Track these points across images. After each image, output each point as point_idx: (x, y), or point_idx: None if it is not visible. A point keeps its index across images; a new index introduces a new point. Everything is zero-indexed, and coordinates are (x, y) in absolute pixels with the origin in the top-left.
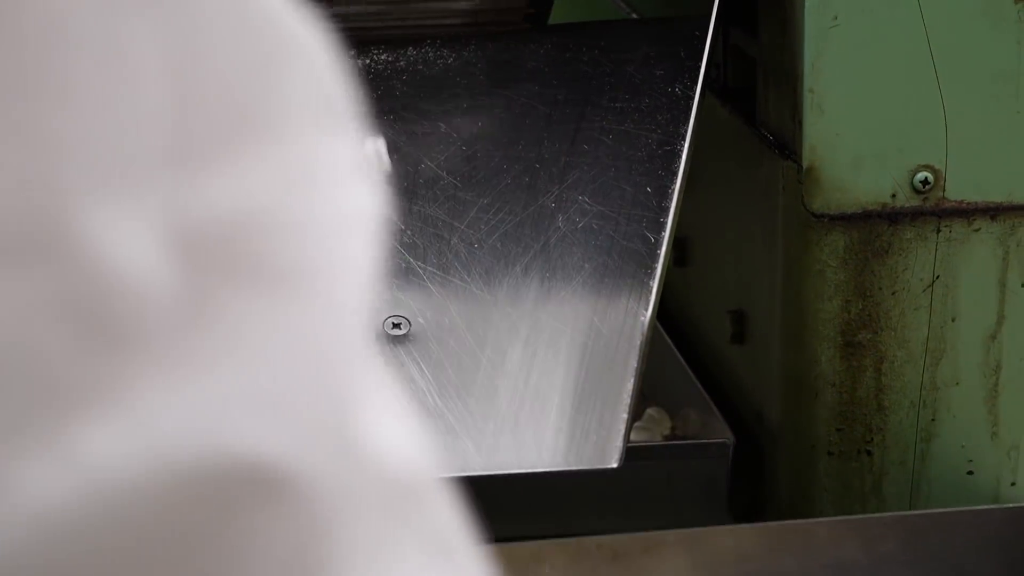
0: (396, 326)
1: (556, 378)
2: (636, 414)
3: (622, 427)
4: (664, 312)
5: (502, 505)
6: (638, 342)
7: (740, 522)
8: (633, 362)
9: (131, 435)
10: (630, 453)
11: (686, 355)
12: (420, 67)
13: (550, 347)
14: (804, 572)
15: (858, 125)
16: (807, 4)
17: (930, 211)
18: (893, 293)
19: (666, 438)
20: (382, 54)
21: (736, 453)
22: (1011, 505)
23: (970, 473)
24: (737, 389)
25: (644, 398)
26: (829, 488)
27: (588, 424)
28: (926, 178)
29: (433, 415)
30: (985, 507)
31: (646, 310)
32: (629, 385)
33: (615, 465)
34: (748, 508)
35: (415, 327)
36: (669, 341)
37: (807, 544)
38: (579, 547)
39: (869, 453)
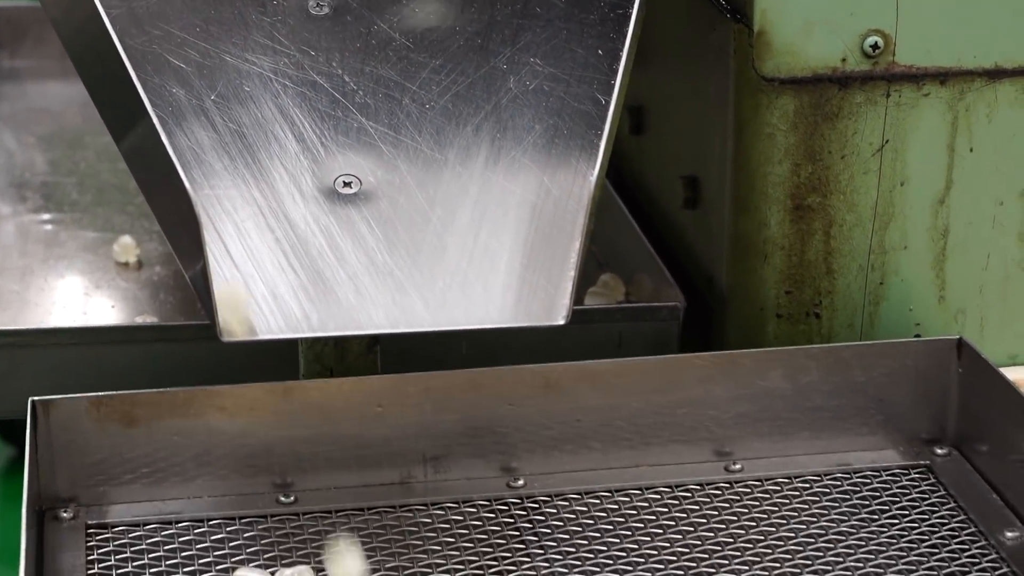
0: (347, 184)
1: (505, 237)
2: (591, 280)
3: (569, 285)
4: (619, 181)
5: (452, 365)
6: (586, 202)
7: None
8: (581, 221)
9: None
10: (582, 316)
11: (641, 222)
12: None
13: (500, 206)
14: (731, 399)
15: None
16: None
17: (880, 75)
18: (843, 157)
19: (620, 303)
20: None
21: (687, 316)
22: (929, 338)
23: (917, 336)
24: (689, 254)
25: (599, 265)
26: None
27: (536, 282)
28: (876, 42)
29: (383, 272)
30: (904, 339)
31: (595, 170)
32: (577, 244)
33: (562, 322)
34: None
35: (366, 185)
36: (624, 209)
37: (733, 373)
38: (514, 375)
39: (817, 316)
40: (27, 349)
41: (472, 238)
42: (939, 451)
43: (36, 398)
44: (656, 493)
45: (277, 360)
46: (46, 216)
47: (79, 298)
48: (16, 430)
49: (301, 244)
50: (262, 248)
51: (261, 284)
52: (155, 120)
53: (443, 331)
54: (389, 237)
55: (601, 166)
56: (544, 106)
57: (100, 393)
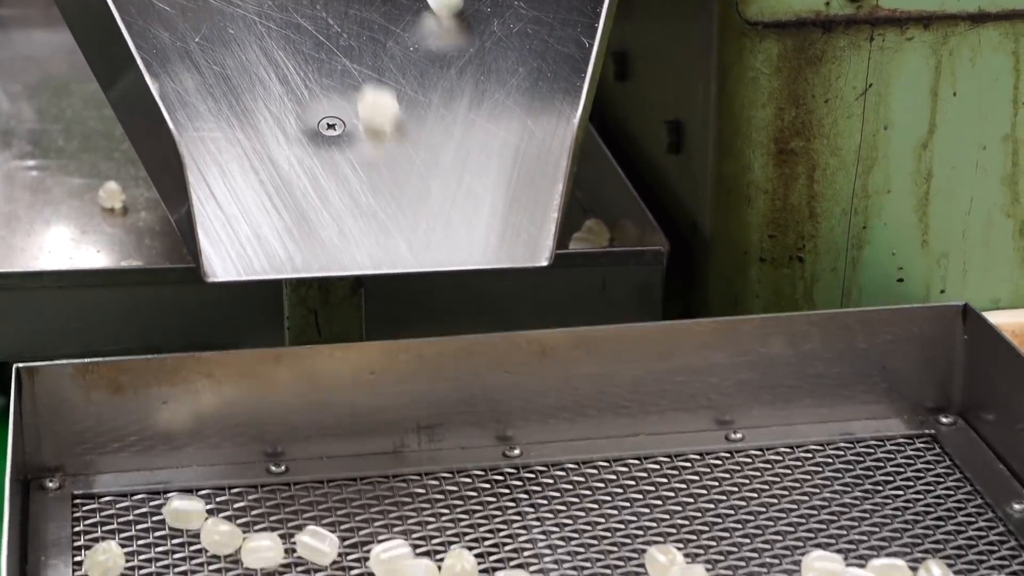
0: (331, 127)
1: (489, 179)
2: (575, 226)
3: (553, 227)
4: (604, 127)
5: (437, 309)
6: (570, 144)
7: None
8: (565, 163)
9: None
10: (565, 260)
11: (625, 168)
12: None
13: (483, 149)
14: (731, 366)
15: None
16: None
17: (864, 19)
18: (826, 101)
19: (604, 248)
20: None
21: (670, 260)
22: (935, 304)
23: (900, 280)
24: (673, 199)
25: (583, 211)
26: (761, 295)
27: (519, 224)
28: None
29: (366, 214)
30: (910, 305)
31: (578, 112)
32: (560, 186)
33: (545, 263)
34: (681, 317)
35: (349, 128)
36: (608, 155)
37: (736, 340)
38: (508, 342)
39: (801, 260)
40: (12, 292)
41: (455, 180)
42: (944, 420)
43: (20, 364)
44: (655, 463)
45: (261, 304)
46: (32, 163)
47: (65, 243)
48: (2, 373)
49: (285, 186)
50: (246, 190)
51: (245, 225)
52: (139, 63)
53: (426, 272)
54: (373, 179)
55: (584, 108)
56: (528, 49)
57: (86, 360)
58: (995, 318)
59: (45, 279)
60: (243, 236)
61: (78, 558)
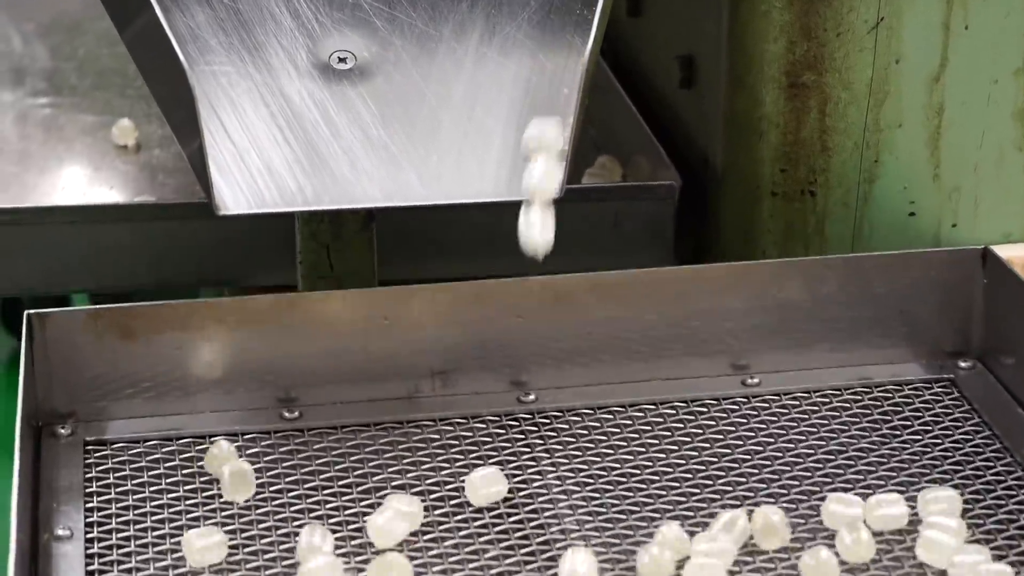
0: (342, 60)
1: (499, 113)
2: (588, 162)
3: (565, 159)
4: (617, 64)
5: (448, 244)
6: (580, 77)
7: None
8: (575, 97)
9: None
10: (578, 194)
11: (638, 104)
12: None
13: (494, 82)
14: (747, 311)
15: None
16: None
17: None
18: (838, 35)
19: (616, 184)
20: None
21: (683, 195)
22: (954, 248)
23: (912, 215)
24: (685, 134)
25: (596, 148)
26: (772, 229)
27: None
28: None
29: (377, 147)
30: (928, 249)
31: (588, 46)
32: (571, 120)
33: (556, 195)
34: (693, 252)
35: (360, 61)
36: (621, 91)
37: (751, 284)
38: (523, 287)
39: (812, 194)
40: (26, 228)
41: (466, 114)
42: (963, 364)
43: (32, 311)
44: (671, 408)
45: (273, 240)
46: (45, 100)
47: (78, 180)
48: (17, 310)
49: (296, 119)
50: (258, 123)
51: (257, 158)
52: None
53: (438, 205)
54: (384, 112)
55: (595, 42)
56: None
57: (98, 306)
58: (1006, 251)
59: (58, 215)
60: (254, 169)
61: (89, 504)
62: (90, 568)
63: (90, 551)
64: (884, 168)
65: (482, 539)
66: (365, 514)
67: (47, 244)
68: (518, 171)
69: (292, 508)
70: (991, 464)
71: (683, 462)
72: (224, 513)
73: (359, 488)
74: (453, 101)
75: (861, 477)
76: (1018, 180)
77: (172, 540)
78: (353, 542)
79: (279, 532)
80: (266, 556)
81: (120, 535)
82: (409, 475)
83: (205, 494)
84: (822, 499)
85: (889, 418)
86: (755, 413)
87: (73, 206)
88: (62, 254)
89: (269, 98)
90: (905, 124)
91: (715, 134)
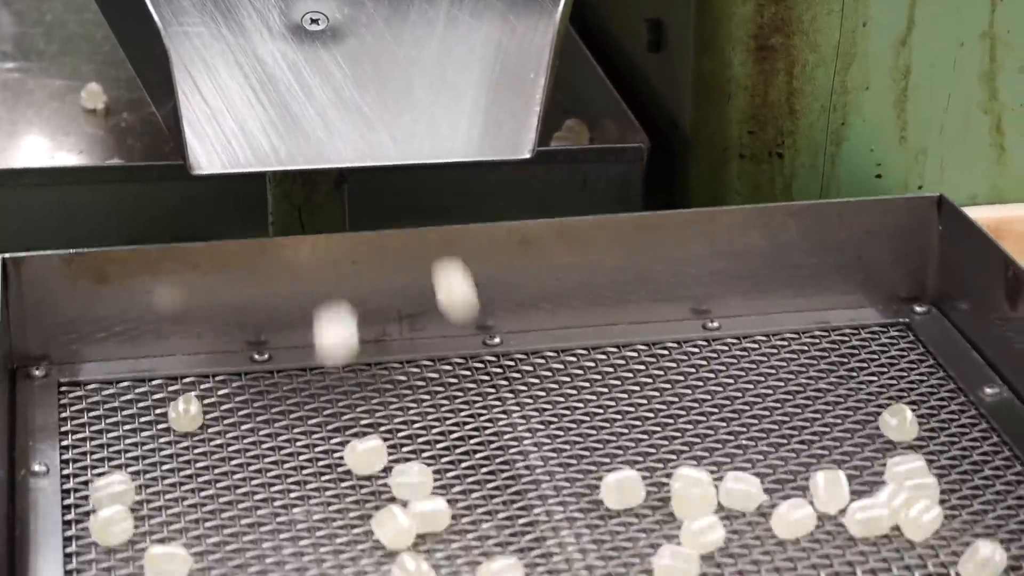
0: (314, 21)
1: (471, 74)
2: (556, 126)
3: (535, 120)
4: (585, 28)
5: (419, 206)
6: (551, 38)
7: None
8: (546, 58)
9: None
10: (546, 157)
11: (605, 68)
12: None
13: (465, 44)
14: (709, 257)
15: None
16: None
17: None
18: None
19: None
20: None
21: (651, 157)
22: (911, 196)
23: (879, 176)
24: (653, 97)
25: (564, 112)
26: (740, 191)
27: (502, 117)
28: None
29: (350, 108)
30: (886, 197)
31: (559, 7)
32: (542, 80)
33: (528, 156)
34: None
35: (333, 23)
36: (589, 55)
37: (713, 231)
38: (489, 232)
39: (780, 156)
40: None
41: (438, 75)
42: (919, 309)
43: (6, 255)
44: (633, 351)
45: (245, 201)
46: (12, 65)
47: (47, 143)
48: None
49: (270, 80)
50: (231, 84)
51: (230, 119)
52: None
53: (410, 165)
54: (356, 73)
55: (566, 3)
56: None
57: (71, 250)
58: (972, 213)
59: (27, 177)
60: (228, 130)
61: (64, 442)
62: (66, 502)
63: (66, 486)
64: (851, 130)
65: (449, 474)
66: (335, 452)
67: (16, 207)
68: (489, 131)
69: (263, 446)
70: (945, 403)
71: (644, 402)
72: (196, 451)
73: (328, 427)
74: (425, 62)
75: (819, 416)
76: (983, 142)
77: (146, 476)
78: (323, 478)
79: (251, 468)
80: (238, 491)
81: (95, 471)
82: (377, 415)
83: (177, 432)
84: (781, 437)
85: (846, 360)
86: (715, 356)
87: (43, 168)
88: (31, 217)
89: (242, 59)
90: (872, 86)
91: (683, 97)
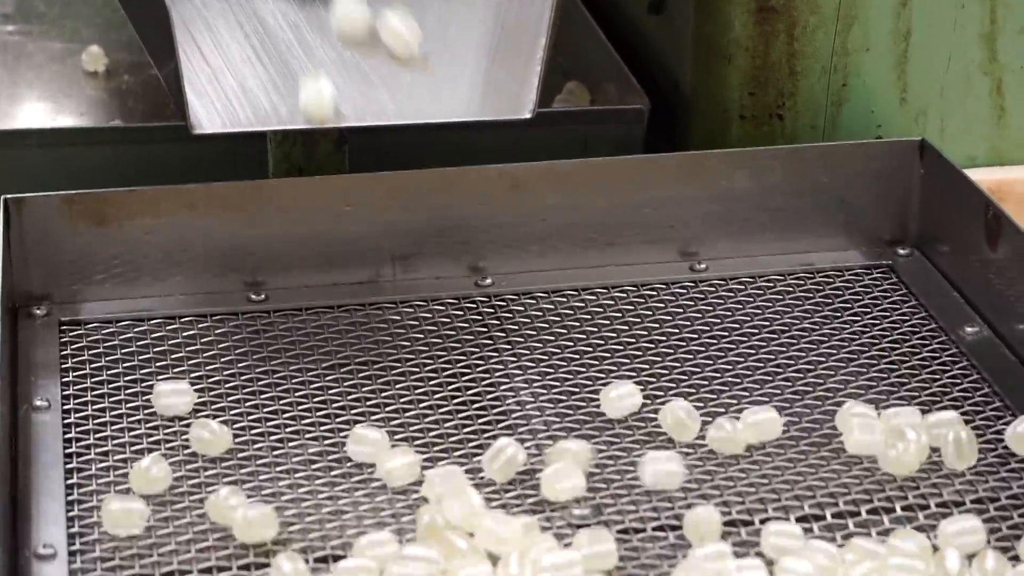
0: None
1: (472, 34)
2: (556, 89)
3: (535, 80)
4: None
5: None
6: None
7: None
8: (547, 18)
9: None
10: (547, 119)
11: (607, 31)
12: None
13: (466, 4)
14: (696, 200)
15: None
16: None
17: None
18: None
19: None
20: None
21: (651, 119)
22: (893, 139)
23: (879, 138)
24: (654, 59)
25: (564, 74)
26: None
27: (502, 78)
28: None
29: (350, 67)
30: (868, 141)
31: None
32: (543, 40)
33: (528, 115)
34: None
35: None
36: (590, 17)
37: (700, 174)
38: (482, 174)
39: (780, 117)
40: None
41: (439, 35)
42: (901, 251)
43: (8, 196)
44: (622, 292)
45: (246, 162)
46: (12, 28)
47: (48, 106)
48: None
49: (271, 39)
50: (232, 44)
51: (231, 78)
52: None
53: (410, 125)
54: None
55: None
56: None
57: (72, 192)
58: (972, 175)
59: (29, 138)
60: (229, 89)
61: (65, 379)
62: (67, 435)
63: (67, 420)
64: (852, 91)
65: (441, 410)
66: (330, 388)
67: (17, 168)
68: (491, 91)
69: (259, 383)
70: (927, 342)
71: (633, 341)
72: (195, 387)
73: (324, 364)
74: (426, 22)
75: (803, 354)
76: (983, 104)
77: (144, 411)
78: (319, 413)
79: (247, 404)
80: (235, 425)
81: (95, 406)
82: (371, 354)
83: (176, 369)
84: (766, 375)
85: (830, 301)
86: (702, 296)
87: (45, 129)
88: (33, 178)
89: (243, 19)
90: (872, 48)
91: (684, 58)
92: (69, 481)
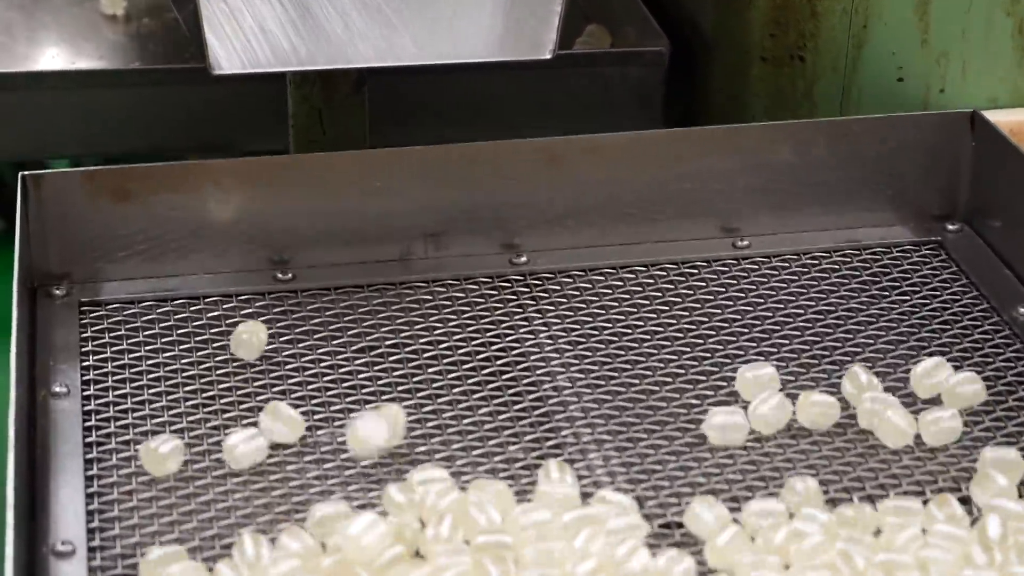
0: None
1: None
2: (577, 32)
3: (555, 20)
4: None
5: (439, 110)
6: None
7: None
8: None
9: None
10: (567, 60)
11: None
12: None
13: None
14: (737, 173)
15: None
16: None
17: None
18: None
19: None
20: None
21: (672, 61)
22: (943, 111)
23: (900, 80)
24: (675, 0)
25: (585, 17)
26: (761, 93)
27: (522, 19)
28: None
29: (371, 8)
30: (917, 113)
31: None
32: None
33: (548, 56)
34: (682, 117)
35: None
36: None
37: (741, 147)
38: (515, 149)
39: (802, 59)
40: (16, 93)
41: None
42: (951, 227)
43: (26, 172)
44: (662, 270)
45: (265, 104)
46: None
47: (67, 49)
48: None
49: None
50: None
51: (250, 18)
52: None
53: (430, 65)
54: None
55: None
56: None
57: (92, 167)
58: (993, 117)
59: (48, 80)
60: (248, 29)
61: (85, 363)
62: (87, 424)
63: (87, 408)
64: (873, 33)
65: (476, 396)
66: (359, 372)
67: (38, 110)
68: (510, 32)
69: (287, 367)
70: (979, 323)
71: (673, 322)
72: (219, 372)
73: (353, 347)
74: None
75: (850, 336)
76: (1006, 45)
77: (168, 397)
78: (348, 399)
79: (274, 390)
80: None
81: (116, 392)
82: (402, 335)
83: (200, 352)
84: (812, 358)
85: (878, 279)
86: (745, 275)
87: (64, 71)
88: (53, 120)
89: None
90: None
91: (704, 0)
92: (89, 472)
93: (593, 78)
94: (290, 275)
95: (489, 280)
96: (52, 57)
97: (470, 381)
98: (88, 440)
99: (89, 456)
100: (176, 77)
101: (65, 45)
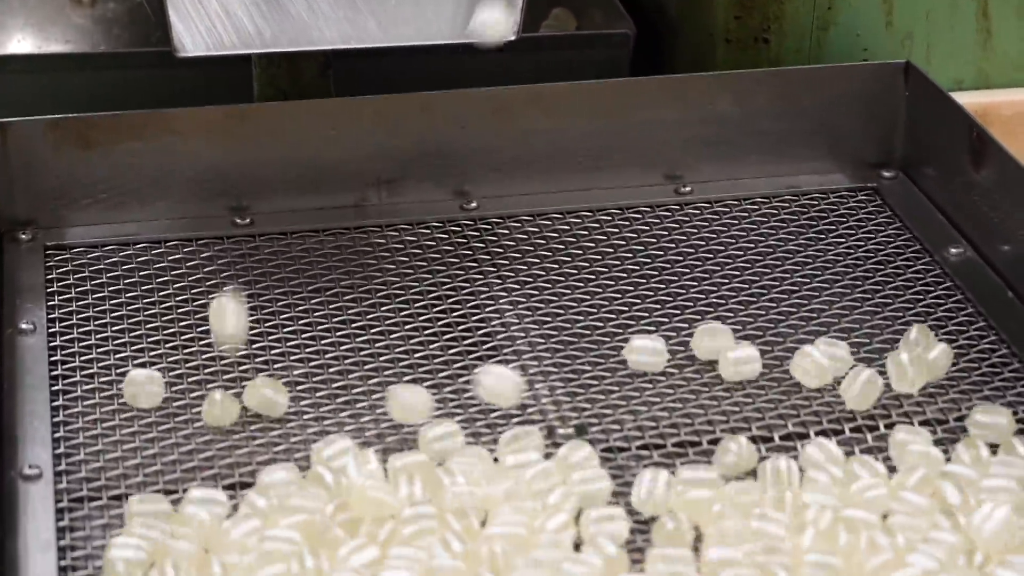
0: None
1: None
2: (542, 16)
3: (519, 2)
4: None
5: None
6: None
7: None
8: None
9: None
10: (532, 43)
11: None
12: None
13: None
14: (680, 123)
15: None
16: None
17: None
18: None
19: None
20: None
21: (637, 43)
22: (878, 62)
23: (865, 61)
24: None
25: (551, 2)
26: None
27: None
28: None
29: None
30: (853, 64)
31: None
32: None
33: (512, 38)
34: None
35: None
36: None
37: (685, 97)
38: (466, 98)
39: (766, 41)
40: None
41: None
42: (886, 174)
43: None
44: (607, 215)
45: (231, 87)
46: None
47: (34, 32)
48: None
49: None
50: None
51: (215, 2)
52: None
53: (395, 47)
54: None
55: None
56: None
57: (56, 116)
58: (958, 99)
59: (14, 63)
60: (212, 12)
61: (51, 302)
62: (53, 358)
63: (52, 344)
64: (837, 15)
65: (427, 332)
66: (315, 311)
67: (4, 94)
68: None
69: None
70: (911, 263)
71: (617, 263)
72: (180, 310)
73: (309, 288)
74: None
75: (788, 275)
76: (970, 27)
77: (130, 334)
78: (304, 335)
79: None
80: (219, 346)
81: (81, 329)
82: (356, 276)
83: (161, 293)
84: (750, 296)
85: (815, 223)
86: (687, 219)
87: (30, 54)
88: (18, 104)
89: None
90: None
91: None
92: (55, 403)
93: (559, 60)
94: (248, 220)
95: (441, 225)
96: (18, 41)
97: (422, 319)
98: (54, 373)
99: (55, 388)
100: (142, 60)
101: (32, 29)
